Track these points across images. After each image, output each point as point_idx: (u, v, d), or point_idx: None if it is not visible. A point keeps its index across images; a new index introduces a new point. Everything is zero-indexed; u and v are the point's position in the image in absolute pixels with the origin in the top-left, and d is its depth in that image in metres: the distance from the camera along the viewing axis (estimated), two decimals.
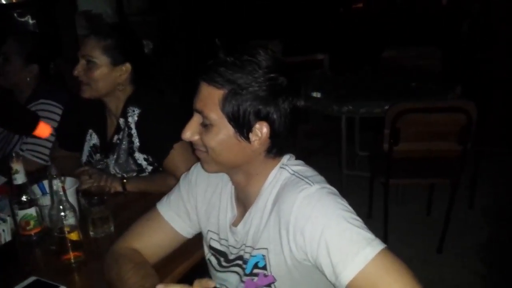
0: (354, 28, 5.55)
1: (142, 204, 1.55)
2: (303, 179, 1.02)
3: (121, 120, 1.79)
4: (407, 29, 5.04)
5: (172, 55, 5.37)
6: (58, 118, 2.06)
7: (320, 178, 1.06)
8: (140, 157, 1.80)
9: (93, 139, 1.89)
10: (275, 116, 1.00)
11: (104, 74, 1.69)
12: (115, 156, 1.82)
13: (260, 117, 1.00)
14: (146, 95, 1.79)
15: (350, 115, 3.20)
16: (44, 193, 1.51)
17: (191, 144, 1.10)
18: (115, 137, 1.82)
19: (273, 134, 1.02)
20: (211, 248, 1.22)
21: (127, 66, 1.73)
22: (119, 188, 1.72)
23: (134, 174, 1.82)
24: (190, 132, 1.05)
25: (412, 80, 3.27)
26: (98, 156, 1.89)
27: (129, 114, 1.76)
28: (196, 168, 1.24)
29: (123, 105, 1.79)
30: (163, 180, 1.69)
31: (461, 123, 2.39)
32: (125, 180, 1.73)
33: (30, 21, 4.33)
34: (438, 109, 2.44)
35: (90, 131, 1.89)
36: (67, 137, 1.94)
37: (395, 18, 5.43)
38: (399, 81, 3.36)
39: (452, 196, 2.62)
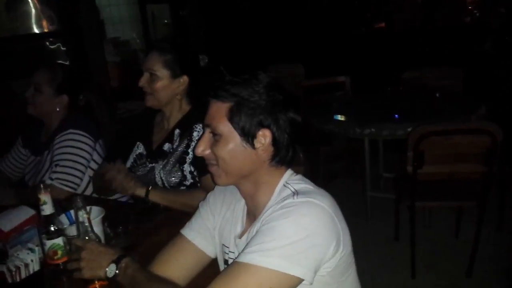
0: (375, 49, 5.54)
1: (167, 232, 1.57)
2: (294, 194, 1.10)
3: (177, 131, 1.92)
4: (428, 49, 5.01)
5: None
6: (86, 147, 2.11)
7: (321, 193, 1.12)
8: (187, 169, 1.89)
9: (139, 149, 2.02)
10: (275, 125, 1.12)
11: (165, 86, 1.88)
12: (164, 162, 1.92)
13: (262, 125, 1.11)
14: None
15: (373, 138, 3.19)
16: (71, 222, 1.55)
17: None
18: (166, 145, 1.94)
19: (275, 142, 1.13)
20: (226, 263, 1.27)
21: (185, 78, 1.90)
22: (142, 194, 1.78)
23: (176, 182, 1.90)
24: (202, 148, 1.16)
25: (435, 101, 3.25)
26: (141, 161, 1.99)
27: (196, 130, 1.89)
28: (213, 193, 1.35)
29: (181, 119, 1.94)
30: (191, 195, 1.77)
31: (486, 145, 2.35)
32: (150, 188, 1.79)
33: (62, 48, 4.51)
34: (461, 131, 2.41)
35: (138, 143, 2.02)
36: (117, 154, 2.02)
37: (417, 38, 5.40)
38: (421, 102, 3.34)
39: (480, 218, 2.56)
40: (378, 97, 3.77)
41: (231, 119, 1.12)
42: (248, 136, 1.12)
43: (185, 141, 1.91)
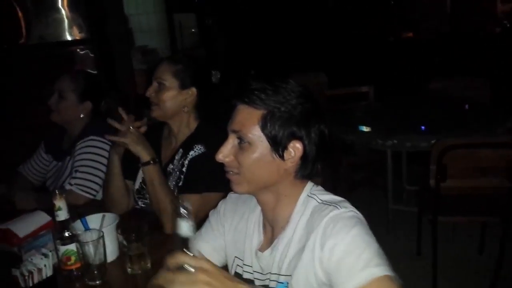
0: (401, 58, 5.46)
1: None
2: (331, 205, 1.09)
3: (180, 151, 1.87)
4: (456, 59, 4.91)
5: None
6: (106, 154, 2.11)
7: (348, 203, 1.11)
8: None
9: None
10: (307, 138, 1.09)
11: (172, 96, 1.83)
12: None
13: (295, 136, 1.08)
14: (212, 135, 1.81)
15: (395, 149, 3.14)
16: (86, 228, 1.57)
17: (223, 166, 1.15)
18: (170, 167, 1.89)
19: (304, 155, 1.10)
20: (238, 276, 1.23)
21: (193, 90, 1.85)
22: (145, 158, 1.73)
23: None
24: (224, 154, 1.12)
25: (461, 112, 3.18)
26: None
27: (195, 150, 1.82)
28: (224, 202, 1.33)
29: (187, 138, 1.88)
30: (168, 203, 1.70)
31: (511, 158, 2.28)
32: (151, 162, 1.73)
33: (90, 55, 4.60)
34: (485, 145, 2.35)
35: None
36: (126, 167, 1.97)
37: (445, 47, 5.30)
38: (447, 113, 3.27)
39: (504, 235, 2.48)
40: (402, 107, 3.70)
41: (263, 127, 1.07)
42: (279, 147, 1.08)
43: (182, 161, 1.86)
